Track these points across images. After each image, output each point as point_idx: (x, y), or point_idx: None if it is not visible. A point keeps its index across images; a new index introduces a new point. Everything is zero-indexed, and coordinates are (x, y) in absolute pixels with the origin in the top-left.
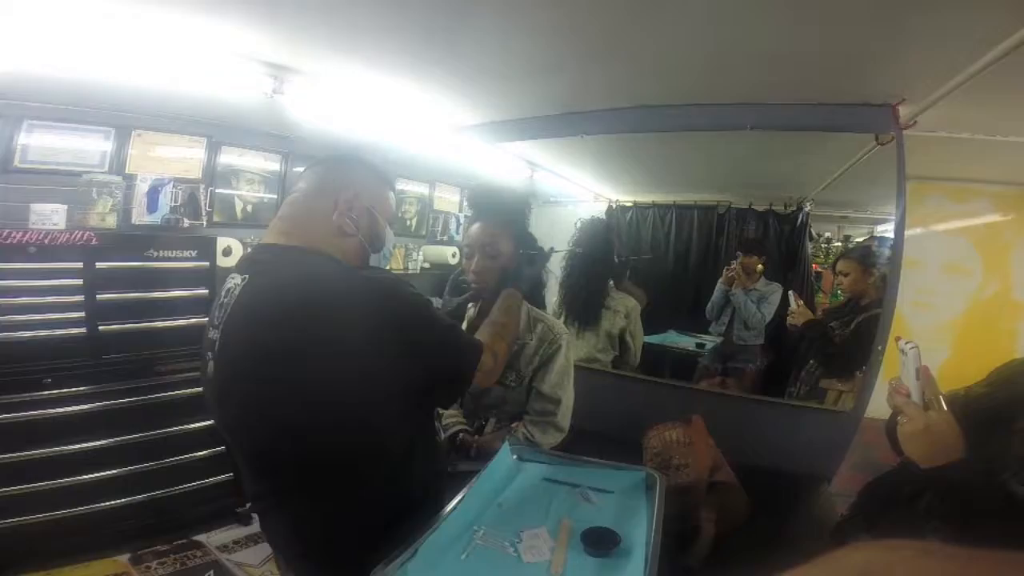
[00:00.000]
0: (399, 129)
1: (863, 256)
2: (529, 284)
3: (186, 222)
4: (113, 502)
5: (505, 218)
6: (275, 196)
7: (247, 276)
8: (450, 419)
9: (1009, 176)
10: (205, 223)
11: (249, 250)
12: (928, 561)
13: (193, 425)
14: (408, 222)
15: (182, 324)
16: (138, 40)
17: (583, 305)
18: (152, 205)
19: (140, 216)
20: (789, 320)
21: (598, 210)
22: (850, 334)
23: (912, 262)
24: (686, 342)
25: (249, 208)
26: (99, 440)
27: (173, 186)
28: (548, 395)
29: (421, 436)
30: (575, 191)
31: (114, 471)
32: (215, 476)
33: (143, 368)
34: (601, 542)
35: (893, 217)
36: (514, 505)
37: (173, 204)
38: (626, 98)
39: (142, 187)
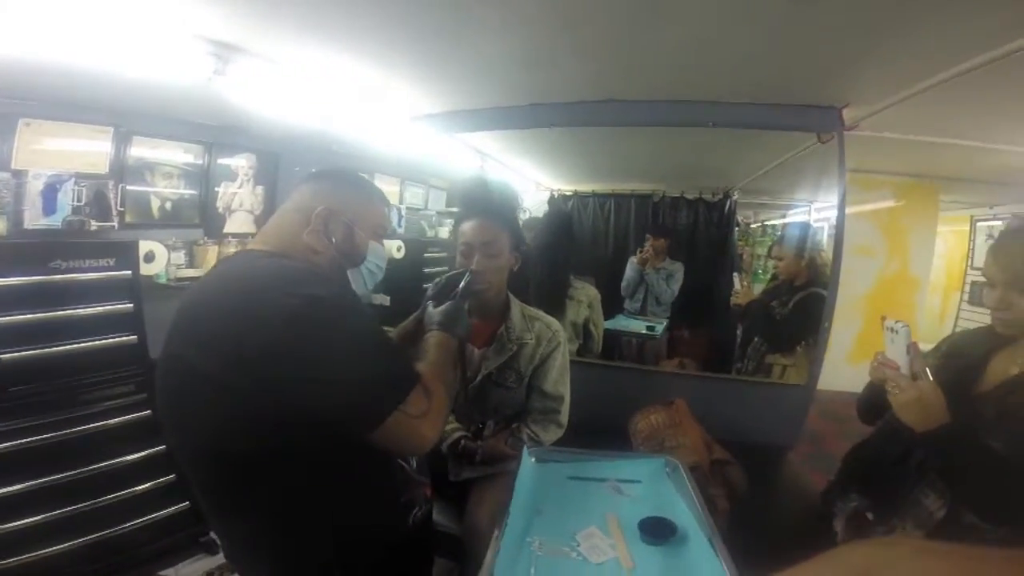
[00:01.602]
0: (351, 116)
1: (795, 242)
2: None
3: (93, 224)
4: (62, 545)
5: (503, 215)
6: (196, 192)
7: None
8: (446, 426)
9: (908, 168)
10: (117, 224)
11: None
12: (926, 558)
13: (132, 456)
14: None
15: (105, 344)
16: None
17: (548, 297)
18: (49, 206)
19: (35, 219)
20: (733, 299)
21: (541, 199)
22: (789, 312)
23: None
24: (636, 325)
25: (168, 206)
26: (24, 483)
27: (75, 183)
28: (551, 393)
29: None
30: (517, 180)
31: (56, 512)
32: (168, 507)
33: (64, 398)
34: (660, 531)
35: (804, 204)
36: (554, 509)
37: (76, 203)
38: (594, 91)
39: (35, 185)
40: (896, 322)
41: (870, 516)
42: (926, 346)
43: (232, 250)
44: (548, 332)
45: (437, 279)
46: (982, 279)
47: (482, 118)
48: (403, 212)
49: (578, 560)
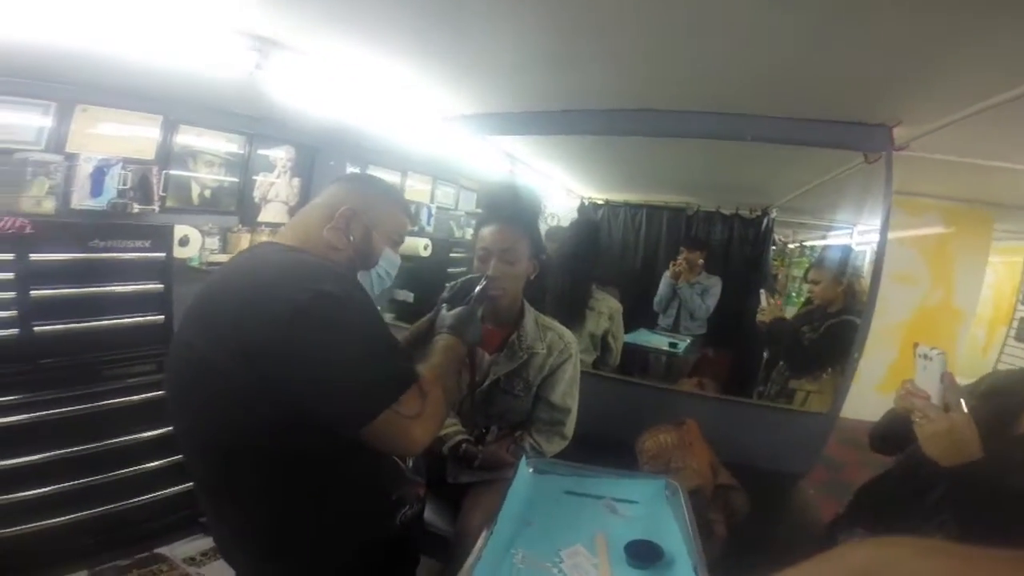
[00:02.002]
0: (385, 114)
1: (834, 266)
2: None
3: (136, 207)
4: (64, 518)
5: (523, 222)
6: (236, 180)
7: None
8: (449, 428)
9: (958, 193)
10: (158, 208)
11: None
12: (927, 558)
13: (148, 433)
14: None
15: (133, 323)
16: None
17: (568, 307)
18: (96, 188)
19: (82, 200)
20: (759, 316)
21: (570, 206)
22: (820, 336)
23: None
24: (659, 341)
25: (207, 193)
26: (40, 453)
27: (122, 167)
28: (558, 404)
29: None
30: (547, 186)
31: (63, 485)
32: (175, 486)
33: (88, 373)
34: (645, 555)
35: (847, 226)
36: (544, 523)
37: (121, 187)
38: (630, 100)
39: (85, 168)
40: (931, 349)
41: None
42: (963, 380)
43: (264, 238)
44: (560, 343)
45: (453, 282)
46: None
47: (513, 122)
48: (433, 211)
49: None
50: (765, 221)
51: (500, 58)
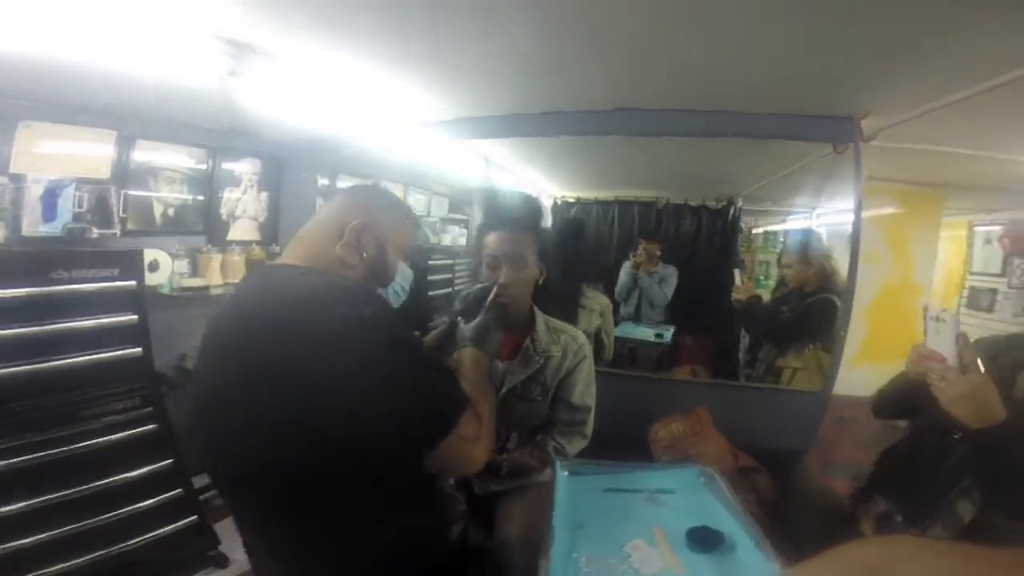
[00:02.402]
0: (361, 120)
1: (803, 249)
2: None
3: (95, 231)
4: (65, 565)
5: (530, 227)
6: (201, 197)
7: (241, 292)
8: None
9: (911, 176)
10: (119, 232)
11: None
12: (930, 556)
13: (144, 470)
14: None
15: (108, 358)
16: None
17: (561, 307)
18: (49, 212)
19: (33, 226)
20: (734, 295)
21: (543, 206)
22: (800, 313)
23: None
24: (644, 333)
25: (170, 212)
26: (20, 502)
27: (76, 188)
28: (578, 405)
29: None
30: (520, 187)
31: (59, 530)
32: (178, 520)
33: (63, 415)
34: (707, 540)
35: (806, 210)
36: (595, 523)
37: (77, 210)
38: (609, 100)
39: (35, 190)
40: (942, 310)
41: (899, 519)
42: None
43: (236, 258)
44: (575, 345)
45: (464, 292)
46: (980, 284)
47: (492, 125)
48: None
49: (630, 573)
50: (731, 210)
51: (483, 62)
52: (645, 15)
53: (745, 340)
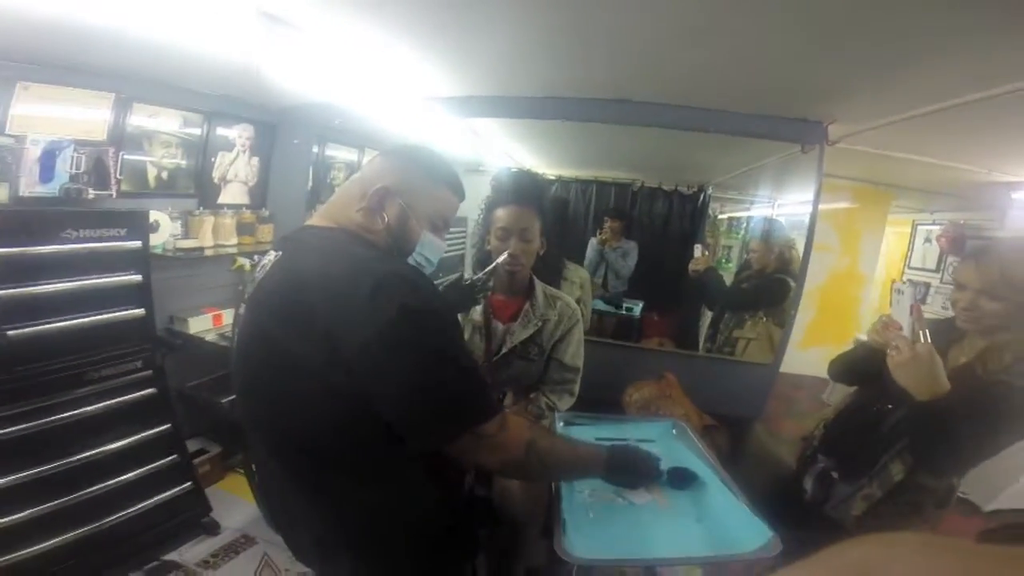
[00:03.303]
0: (366, 90)
1: (768, 236)
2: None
3: (91, 192)
4: (65, 536)
5: (538, 202)
6: (192, 162)
7: (280, 252)
8: None
9: (865, 175)
10: (115, 193)
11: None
12: (928, 555)
13: (141, 435)
14: (336, 189)
15: (112, 319)
16: None
17: (546, 279)
18: (46, 173)
19: (31, 186)
20: (692, 266)
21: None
22: (761, 284)
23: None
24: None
25: (164, 175)
26: (29, 470)
27: (74, 150)
28: (569, 365)
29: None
30: (500, 161)
31: (59, 501)
32: (174, 487)
33: (70, 378)
34: (685, 478)
35: (768, 200)
36: None
37: (74, 171)
38: (610, 91)
39: (33, 151)
40: (902, 283)
41: (835, 475)
42: (865, 336)
43: (228, 220)
44: (568, 310)
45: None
46: (917, 278)
47: (500, 105)
48: None
49: (624, 504)
50: (701, 197)
51: (498, 42)
52: (655, 21)
53: (708, 316)
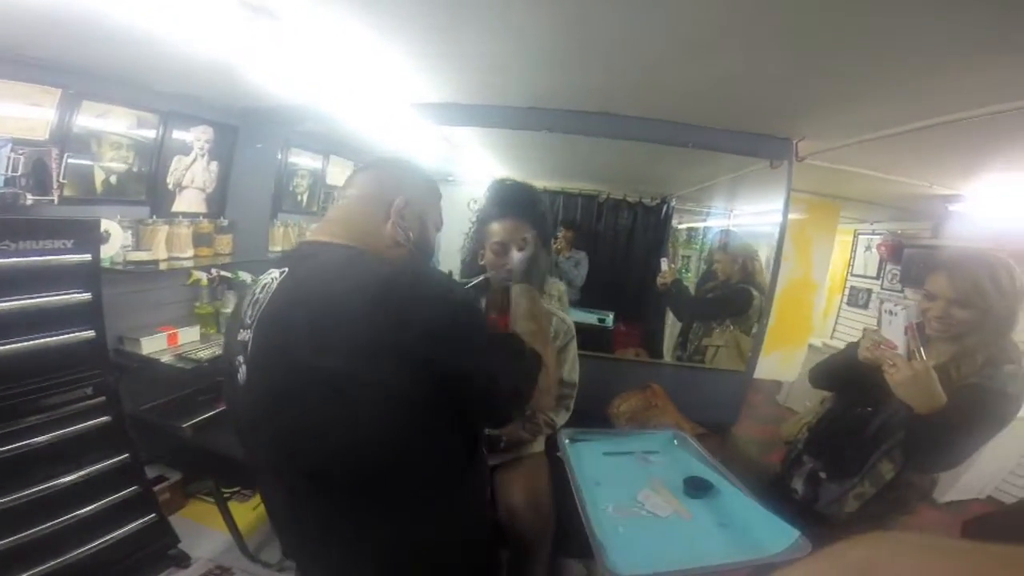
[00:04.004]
0: (346, 93)
1: (732, 248)
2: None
3: (29, 198)
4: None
5: (535, 216)
6: (146, 166)
7: (286, 269)
8: None
9: (817, 188)
10: (56, 199)
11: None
12: (931, 556)
13: (94, 468)
14: (299, 197)
15: (58, 342)
16: None
17: None
18: None
19: None
20: (660, 279)
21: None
22: (726, 294)
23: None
24: (588, 318)
25: (113, 180)
26: None
27: (11, 149)
28: (566, 381)
29: (474, 451)
30: (469, 172)
31: (14, 538)
32: (137, 519)
33: (16, 407)
34: (701, 487)
35: (724, 211)
36: (608, 481)
37: (10, 173)
38: (595, 103)
39: None
40: (895, 304)
41: (823, 475)
42: (816, 340)
43: (183, 231)
44: (564, 326)
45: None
46: (859, 284)
47: (481, 114)
48: None
49: (649, 517)
50: (664, 208)
51: (490, 49)
52: (647, 38)
53: (677, 326)
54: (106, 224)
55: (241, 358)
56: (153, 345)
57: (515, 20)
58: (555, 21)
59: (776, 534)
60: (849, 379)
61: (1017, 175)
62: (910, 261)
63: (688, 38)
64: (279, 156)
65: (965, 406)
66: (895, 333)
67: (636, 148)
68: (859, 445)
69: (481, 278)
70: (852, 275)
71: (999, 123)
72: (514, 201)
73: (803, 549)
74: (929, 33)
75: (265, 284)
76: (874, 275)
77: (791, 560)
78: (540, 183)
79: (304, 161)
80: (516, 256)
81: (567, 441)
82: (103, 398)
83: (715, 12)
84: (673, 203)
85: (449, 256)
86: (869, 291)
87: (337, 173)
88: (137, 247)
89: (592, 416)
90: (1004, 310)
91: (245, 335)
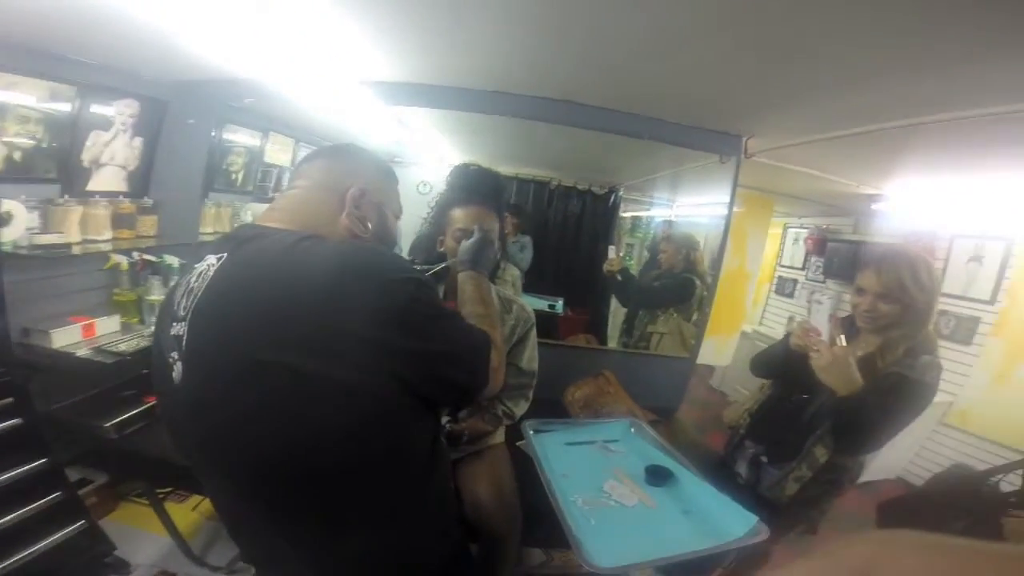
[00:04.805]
0: (295, 67)
1: (677, 238)
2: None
3: None
4: None
5: (499, 203)
6: (57, 141)
7: (224, 255)
8: None
9: (752, 183)
10: None
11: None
12: (927, 554)
13: (12, 473)
14: (233, 176)
15: None
16: None
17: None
18: None
19: None
20: (606, 267)
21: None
22: (666, 283)
23: None
24: (538, 304)
25: (17, 155)
26: None
27: None
28: (525, 370)
29: (435, 442)
30: (419, 154)
31: None
32: (64, 527)
33: None
34: (661, 476)
35: (667, 202)
36: (572, 472)
37: None
38: (558, 91)
39: None
40: (822, 295)
41: (764, 460)
42: (747, 327)
43: (101, 212)
44: (524, 313)
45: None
46: (786, 275)
47: (441, 96)
48: None
49: (616, 507)
50: (612, 197)
51: (458, 29)
52: (616, 30)
53: (621, 313)
54: (7, 204)
55: (175, 354)
56: (65, 337)
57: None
58: (528, 7)
59: (735, 520)
60: (786, 367)
61: (929, 179)
62: (833, 254)
63: (655, 35)
64: (213, 133)
65: (887, 393)
66: (821, 321)
67: (592, 137)
68: (796, 430)
69: (442, 265)
70: (780, 266)
71: (920, 133)
72: (480, 187)
73: (761, 533)
74: (865, 48)
75: (201, 272)
76: (800, 266)
77: (751, 544)
78: (495, 168)
79: (241, 138)
80: (464, 243)
81: (532, 433)
82: (11, 399)
83: (683, 12)
84: (621, 192)
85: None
86: (795, 281)
87: (276, 151)
88: (45, 229)
89: (546, 404)
90: (923, 304)
91: (179, 328)
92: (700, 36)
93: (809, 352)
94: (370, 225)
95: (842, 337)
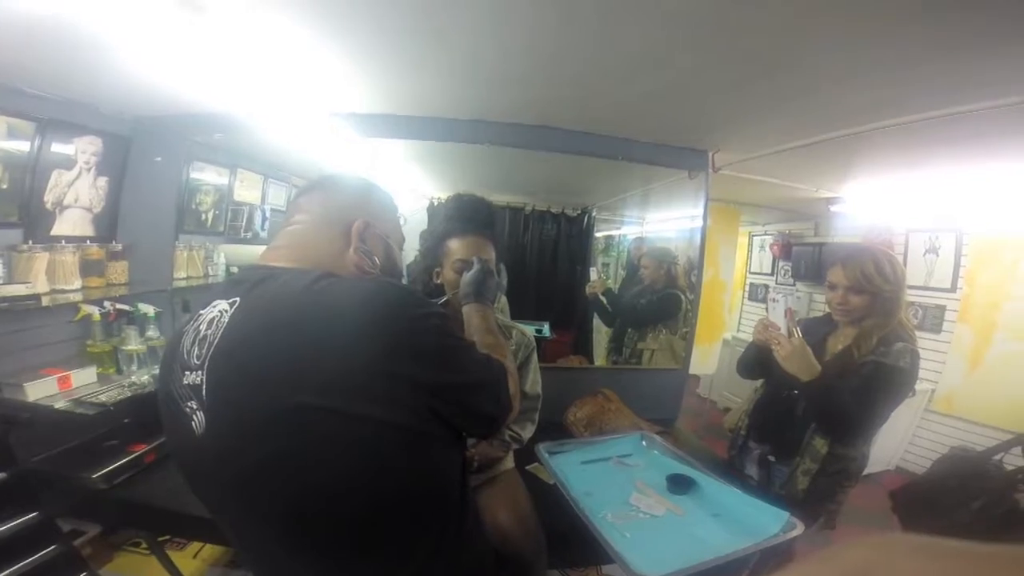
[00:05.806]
0: (270, 100)
1: (656, 254)
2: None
3: None
4: None
5: (494, 231)
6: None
7: (236, 299)
8: None
9: (720, 195)
10: None
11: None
12: (927, 557)
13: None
14: (203, 216)
15: None
16: None
17: None
18: None
19: None
20: (589, 288)
21: (418, 207)
22: (653, 303)
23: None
24: (527, 329)
25: None
26: None
27: None
28: (529, 394)
29: (464, 473)
30: (394, 186)
31: None
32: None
33: None
34: (684, 484)
35: (638, 219)
36: (595, 489)
37: None
38: (534, 117)
39: None
40: (778, 293)
41: (771, 458)
42: (727, 334)
43: (68, 258)
44: (524, 339)
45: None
46: (757, 281)
47: (419, 127)
48: (268, 213)
49: (647, 518)
50: (586, 219)
51: (438, 59)
52: (580, 54)
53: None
54: None
55: (194, 403)
56: (41, 390)
57: (461, 30)
58: (502, 35)
59: (768, 517)
60: (765, 365)
61: (882, 179)
62: (799, 258)
63: (623, 56)
64: (182, 171)
65: (865, 380)
66: (778, 316)
67: (564, 160)
68: (793, 425)
69: (444, 299)
70: (750, 273)
71: (871, 137)
72: (476, 216)
73: (796, 528)
74: (822, 57)
75: (213, 319)
76: (769, 272)
77: (792, 539)
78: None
79: (208, 176)
80: (466, 275)
81: (547, 455)
82: None
83: (650, 32)
84: (594, 213)
85: None
86: (766, 286)
87: (245, 189)
88: (11, 279)
89: (549, 426)
90: (890, 294)
91: (194, 377)
92: (669, 56)
93: (772, 345)
94: (377, 260)
95: (797, 330)
